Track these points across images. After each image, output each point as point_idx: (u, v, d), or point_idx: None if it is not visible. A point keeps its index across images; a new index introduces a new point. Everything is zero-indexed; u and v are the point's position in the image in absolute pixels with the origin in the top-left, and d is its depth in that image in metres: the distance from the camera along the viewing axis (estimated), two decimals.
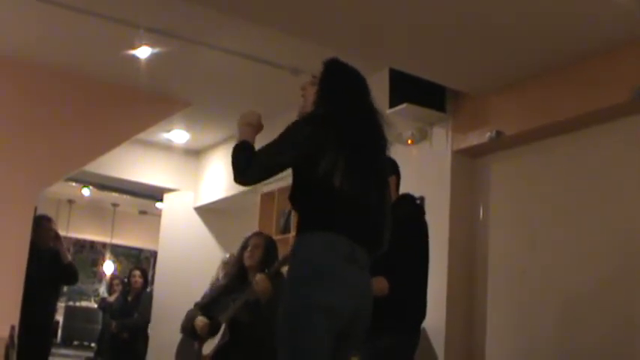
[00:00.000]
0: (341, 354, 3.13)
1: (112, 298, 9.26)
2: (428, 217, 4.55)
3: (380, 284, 3.99)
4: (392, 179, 4.47)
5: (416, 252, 4.38)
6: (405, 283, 4.17)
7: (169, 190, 9.86)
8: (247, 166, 3.08)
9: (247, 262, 5.18)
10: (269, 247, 5.29)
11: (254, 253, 5.19)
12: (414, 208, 4.60)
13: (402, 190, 4.58)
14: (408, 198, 4.58)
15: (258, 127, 3.32)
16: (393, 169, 4.54)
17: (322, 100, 3.26)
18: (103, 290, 12.93)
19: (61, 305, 11.67)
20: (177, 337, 5.80)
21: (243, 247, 5.26)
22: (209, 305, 5.27)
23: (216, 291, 5.43)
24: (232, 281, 5.28)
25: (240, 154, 3.14)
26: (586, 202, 5.31)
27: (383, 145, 3.34)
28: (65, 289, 11.22)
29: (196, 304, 5.40)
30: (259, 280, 4.74)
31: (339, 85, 3.33)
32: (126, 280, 9.20)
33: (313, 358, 2.95)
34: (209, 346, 5.12)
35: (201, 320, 5.10)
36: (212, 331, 5.07)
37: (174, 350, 5.53)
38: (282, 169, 3.11)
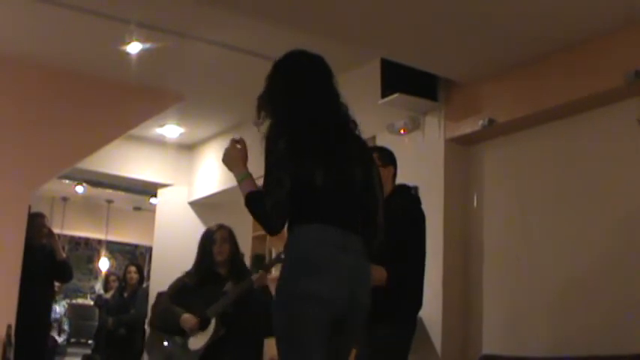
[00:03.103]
0: (341, 344, 3.13)
1: (108, 295, 9.24)
2: (422, 207, 4.56)
3: (379, 273, 4.00)
4: (389, 169, 4.48)
5: (413, 242, 4.38)
6: (401, 272, 4.18)
7: (163, 186, 9.83)
8: (267, 217, 3.06)
9: (219, 257, 5.18)
10: (234, 239, 5.32)
11: (224, 247, 5.21)
12: (410, 198, 4.60)
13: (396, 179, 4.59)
14: (404, 188, 4.59)
15: (243, 154, 3.31)
16: (390, 159, 4.54)
17: (282, 104, 3.22)
18: (99, 287, 12.88)
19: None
20: None
21: (211, 242, 5.22)
22: (179, 301, 5.17)
23: (184, 290, 5.24)
24: (204, 278, 5.19)
25: (255, 210, 3.12)
26: (580, 188, 5.31)
27: (352, 128, 3.30)
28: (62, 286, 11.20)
29: (161, 294, 5.31)
30: (261, 277, 5.07)
31: (294, 85, 3.26)
32: (122, 276, 9.18)
33: (308, 348, 2.96)
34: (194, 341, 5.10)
35: (190, 317, 5.04)
36: (201, 327, 5.06)
37: None
38: (291, 191, 3.05)
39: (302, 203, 3.05)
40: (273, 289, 5.35)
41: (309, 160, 3.08)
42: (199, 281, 5.18)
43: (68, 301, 12.89)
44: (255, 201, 3.11)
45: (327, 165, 3.10)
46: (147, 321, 5.45)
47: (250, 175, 3.23)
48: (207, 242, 5.25)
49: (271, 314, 5.49)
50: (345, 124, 3.28)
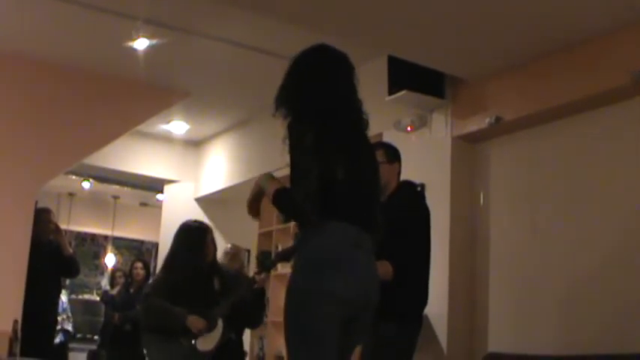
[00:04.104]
0: (349, 342, 3.13)
1: (114, 291, 9.22)
2: (429, 204, 4.55)
3: (384, 268, 4.00)
4: (395, 166, 4.48)
5: (418, 238, 4.38)
6: (406, 270, 4.17)
7: (170, 182, 9.87)
8: (299, 209, 3.04)
9: (209, 257, 5.25)
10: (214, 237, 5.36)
11: (211, 248, 5.24)
12: (415, 194, 4.60)
13: (403, 176, 4.58)
14: (409, 184, 4.58)
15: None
16: (395, 156, 4.54)
17: (307, 99, 3.20)
18: (105, 283, 12.86)
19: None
20: None
21: (203, 242, 5.22)
22: (171, 300, 5.09)
23: (171, 288, 5.15)
24: (191, 276, 5.17)
25: (285, 205, 3.11)
26: (586, 186, 5.31)
27: (364, 126, 3.30)
28: (67, 282, 11.18)
29: (148, 296, 5.22)
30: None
31: (320, 80, 3.24)
32: (128, 272, 9.17)
33: (322, 346, 2.93)
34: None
35: (197, 319, 5.01)
36: (209, 329, 5.05)
37: None
38: (316, 180, 3.02)
39: (321, 199, 3.02)
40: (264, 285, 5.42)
41: (333, 157, 3.06)
42: (187, 279, 5.14)
43: (74, 296, 12.88)
44: (284, 196, 3.08)
45: (346, 162, 3.09)
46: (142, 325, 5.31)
47: (272, 175, 3.22)
48: (197, 241, 5.24)
49: (262, 313, 5.60)
50: (359, 122, 3.28)
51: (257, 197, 3.30)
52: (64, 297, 9.74)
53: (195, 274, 5.14)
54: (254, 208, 3.35)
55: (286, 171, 3.07)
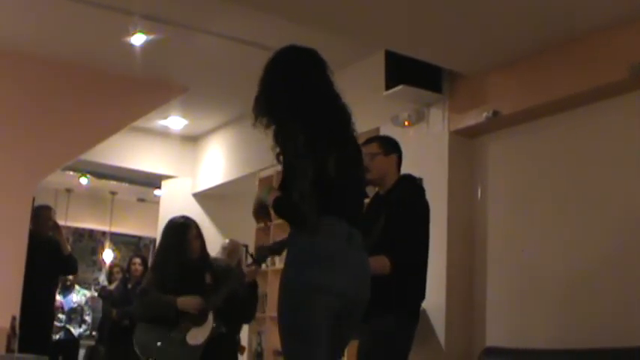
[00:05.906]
0: (342, 337, 3.14)
1: (112, 287, 9.21)
2: (427, 198, 4.55)
3: (382, 262, 3.99)
4: (391, 158, 4.47)
5: (416, 232, 4.37)
6: (404, 263, 4.17)
7: (167, 177, 9.85)
8: (300, 215, 3.02)
9: (195, 254, 5.24)
10: (201, 232, 5.39)
11: (196, 244, 5.26)
12: (414, 187, 4.59)
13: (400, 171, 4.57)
14: (409, 178, 4.57)
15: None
16: (392, 148, 4.53)
17: (290, 101, 3.18)
18: (103, 279, 12.84)
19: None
20: None
21: (186, 241, 5.22)
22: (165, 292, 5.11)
23: (163, 284, 5.15)
24: (181, 272, 5.16)
25: (286, 214, 3.12)
26: (584, 180, 5.31)
27: (349, 117, 3.28)
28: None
29: (146, 290, 5.22)
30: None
31: (298, 82, 3.22)
32: (126, 267, 9.17)
33: (315, 340, 2.95)
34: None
35: (189, 298, 5.00)
36: (199, 321, 5.05)
37: None
38: (314, 179, 3.01)
39: (317, 197, 3.00)
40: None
41: (325, 154, 3.06)
42: (176, 276, 5.14)
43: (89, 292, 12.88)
44: (284, 204, 3.09)
45: (337, 158, 3.09)
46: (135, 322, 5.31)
47: (271, 186, 3.27)
48: (180, 238, 5.24)
49: (254, 307, 5.62)
50: (344, 115, 3.27)
51: (259, 208, 3.31)
52: (77, 297, 9.70)
53: (183, 270, 5.13)
54: (260, 216, 3.35)
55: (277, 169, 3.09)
